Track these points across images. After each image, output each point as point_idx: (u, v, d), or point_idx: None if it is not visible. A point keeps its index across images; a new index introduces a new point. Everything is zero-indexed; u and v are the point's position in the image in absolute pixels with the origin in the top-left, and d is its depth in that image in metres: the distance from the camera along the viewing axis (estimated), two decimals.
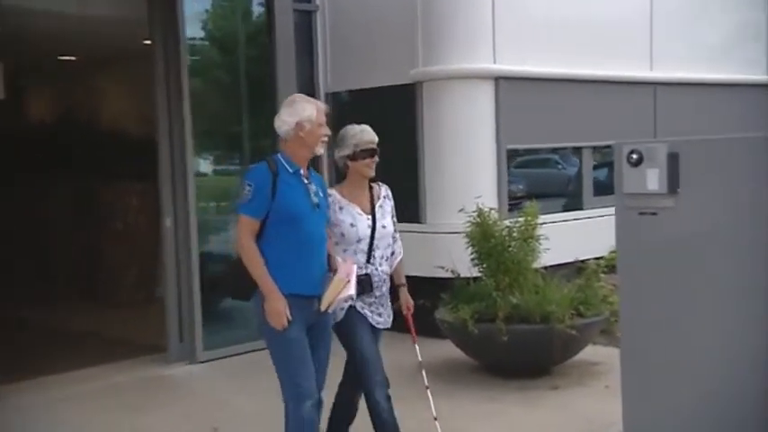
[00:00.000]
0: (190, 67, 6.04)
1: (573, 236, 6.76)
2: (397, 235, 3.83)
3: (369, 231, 3.65)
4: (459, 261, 5.79)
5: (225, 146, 6.80)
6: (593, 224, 6.95)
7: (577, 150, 7.54)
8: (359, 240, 3.64)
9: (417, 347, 3.91)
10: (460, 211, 5.73)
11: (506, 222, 5.74)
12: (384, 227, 3.70)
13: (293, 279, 3.31)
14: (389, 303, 3.77)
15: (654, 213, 3.44)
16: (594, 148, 7.55)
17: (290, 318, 3.28)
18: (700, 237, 3.34)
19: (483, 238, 5.59)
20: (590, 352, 5.69)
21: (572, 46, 7.09)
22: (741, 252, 3.24)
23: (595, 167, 7.72)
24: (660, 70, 7.91)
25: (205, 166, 6.78)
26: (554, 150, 7.84)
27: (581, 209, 7.35)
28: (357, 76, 6.88)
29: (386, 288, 3.73)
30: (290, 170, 3.36)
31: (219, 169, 6.89)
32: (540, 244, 5.70)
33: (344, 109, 7.10)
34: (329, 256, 3.51)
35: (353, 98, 7.11)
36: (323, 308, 3.39)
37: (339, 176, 3.83)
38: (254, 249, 3.28)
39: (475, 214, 5.65)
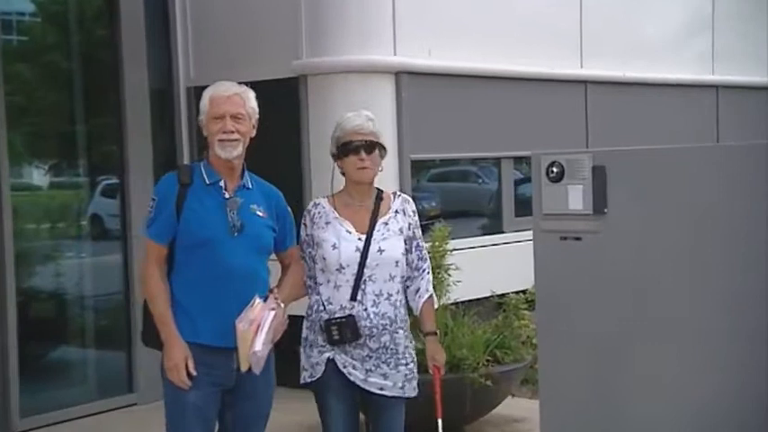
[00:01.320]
0: (5, 48, 5.83)
1: (490, 265, 6.85)
2: (426, 265, 3.59)
3: (356, 256, 3.40)
4: None
5: (57, 151, 6.60)
6: (515, 251, 7.04)
7: (497, 162, 7.68)
8: (340, 268, 3.39)
9: (440, 423, 3.59)
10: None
11: None
12: (381, 251, 3.43)
13: (199, 324, 3.20)
14: (407, 361, 3.48)
15: (577, 238, 3.51)
16: (516, 158, 7.70)
17: (191, 373, 3.14)
18: (631, 266, 3.42)
19: None
20: (510, 406, 5.75)
21: (489, 36, 7.23)
22: (680, 285, 3.33)
23: (520, 182, 7.87)
24: (591, 66, 8.16)
25: (29, 176, 6.56)
26: (474, 162, 7.97)
27: (501, 232, 7.48)
28: (226, 67, 6.77)
29: (391, 338, 3.44)
30: (207, 180, 3.26)
31: (51, 181, 6.68)
32: (449, 275, 5.75)
33: None
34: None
35: None
36: (242, 368, 3.20)
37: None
38: (154, 281, 3.20)
39: None
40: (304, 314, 3.57)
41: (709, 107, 9.21)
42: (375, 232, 3.44)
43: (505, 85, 7.41)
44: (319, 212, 3.49)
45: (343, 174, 3.54)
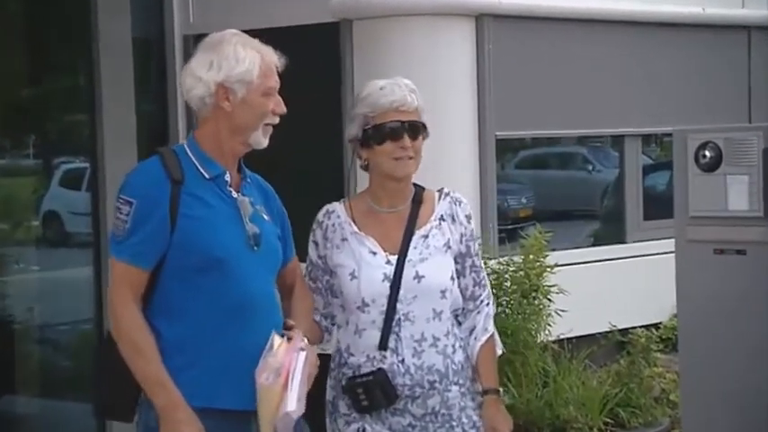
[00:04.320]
0: None
1: (608, 288, 6.86)
2: (485, 294, 3.52)
3: (385, 287, 3.37)
4: None
5: (4, 123, 6.72)
6: (643, 268, 7.06)
7: (618, 141, 7.68)
8: (363, 305, 3.37)
9: None
10: None
11: (494, 262, 5.86)
12: (420, 277, 3.39)
13: (211, 381, 3.12)
14: (464, 428, 3.41)
15: (741, 252, 3.51)
16: (646, 136, 7.68)
17: None
18: None
19: None
20: None
21: None
22: None
23: (651, 170, 7.86)
24: (758, 5, 8.09)
25: None
26: (580, 141, 7.99)
27: (623, 241, 7.49)
28: (239, 9, 6.83)
29: (442, 399, 3.39)
30: (207, 175, 3.18)
31: None
32: (551, 301, 5.82)
33: None
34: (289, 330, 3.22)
35: None
36: None
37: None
38: (136, 321, 3.07)
39: None
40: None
41: None
42: (410, 250, 3.40)
43: (633, 33, 7.43)
44: (333, 225, 3.45)
45: (365, 167, 3.47)
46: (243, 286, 3.15)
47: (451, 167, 6.49)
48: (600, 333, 6.51)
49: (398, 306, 3.35)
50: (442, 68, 6.58)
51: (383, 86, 3.40)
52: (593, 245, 7.49)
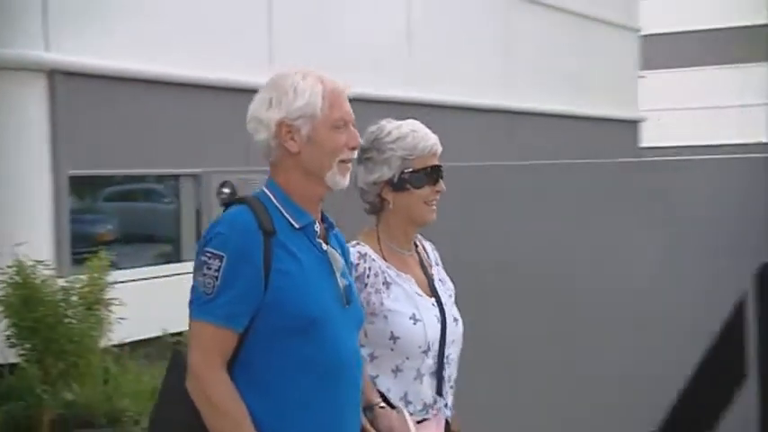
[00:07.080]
0: None
1: (163, 299, 7.50)
2: None
3: (439, 329, 3.26)
4: None
5: None
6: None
7: (174, 180, 8.60)
8: (427, 350, 3.23)
9: None
10: None
11: (62, 282, 6.62)
12: (456, 320, 3.34)
13: None
14: None
15: None
16: (199, 176, 8.78)
17: None
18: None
19: (24, 305, 6.22)
20: None
21: (173, 33, 8.14)
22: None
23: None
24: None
25: None
26: (158, 179, 8.91)
27: (179, 260, 8.62)
28: None
29: None
30: (297, 224, 2.86)
31: None
32: (111, 312, 6.68)
33: None
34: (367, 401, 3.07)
35: None
36: None
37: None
38: (230, 393, 2.73)
39: (12, 270, 6.32)
40: None
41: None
42: (440, 294, 3.35)
43: (186, 94, 8.44)
44: (371, 268, 3.23)
45: (374, 210, 3.32)
46: (335, 350, 2.85)
47: (29, 200, 7.34)
48: (155, 337, 7.62)
49: (446, 350, 3.29)
50: (17, 116, 7.48)
51: (416, 129, 3.30)
52: (156, 264, 8.64)
